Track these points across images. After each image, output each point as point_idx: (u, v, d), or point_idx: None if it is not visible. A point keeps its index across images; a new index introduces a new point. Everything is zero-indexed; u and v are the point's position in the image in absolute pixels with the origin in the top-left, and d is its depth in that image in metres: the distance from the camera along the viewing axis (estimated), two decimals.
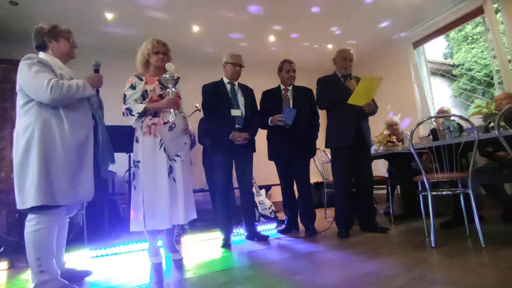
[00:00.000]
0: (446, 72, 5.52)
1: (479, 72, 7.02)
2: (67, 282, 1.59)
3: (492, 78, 4.07)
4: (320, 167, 3.80)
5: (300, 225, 2.91)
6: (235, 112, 2.54)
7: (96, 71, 1.81)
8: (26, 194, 1.48)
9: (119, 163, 2.23)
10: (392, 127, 3.79)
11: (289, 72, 2.85)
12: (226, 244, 2.47)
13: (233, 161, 2.60)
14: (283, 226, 2.95)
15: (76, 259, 2.30)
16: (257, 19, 3.86)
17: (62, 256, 1.80)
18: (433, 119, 3.35)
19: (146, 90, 2.04)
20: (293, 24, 4.06)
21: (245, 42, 4.45)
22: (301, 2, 3.58)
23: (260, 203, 3.63)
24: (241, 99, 2.62)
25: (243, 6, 3.57)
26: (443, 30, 4.09)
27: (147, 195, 1.95)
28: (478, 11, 3.65)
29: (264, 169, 3.58)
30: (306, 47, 4.76)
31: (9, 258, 2.28)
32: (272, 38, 4.41)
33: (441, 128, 2.44)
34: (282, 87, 2.91)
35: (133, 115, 1.98)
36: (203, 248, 2.47)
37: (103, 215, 3.04)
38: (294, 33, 4.33)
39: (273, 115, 2.75)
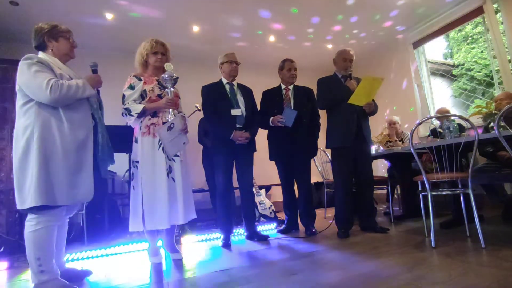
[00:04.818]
0: (446, 72, 5.53)
1: (479, 72, 7.02)
2: (67, 282, 1.59)
3: (492, 78, 4.07)
4: (320, 167, 3.80)
5: (300, 225, 2.91)
6: (235, 112, 2.54)
7: (94, 71, 1.81)
8: (26, 194, 1.48)
9: (119, 163, 2.23)
10: (391, 125, 3.80)
11: (291, 70, 2.85)
12: (226, 244, 2.47)
13: (234, 161, 2.60)
14: (283, 226, 2.95)
15: (76, 259, 2.30)
16: (257, 19, 3.86)
17: (62, 256, 1.80)
18: (433, 119, 3.35)
19: (144, 90, 2.04)
20: (293, 24, 4.06)
21: (245, 42, 4.45)
22: (301, 2, 3.58)
23: (260, 203, 3.63)
24: (240, 99, 2.62)
25: (243, 6, 3.57)
26: (443, 30, 4.09)
27: (147, 195, 1.95)
28: (478, 11, 3.65)
29: (264, 169, 3.58)
30: (306, 48, 4.76)
31: (9, 258, 2.28)
32: (272, 38, 4.41)
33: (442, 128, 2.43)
34: (283, 86, 2.91)
35: (132, 115, 1.98)
36: (203, 248, 2.46)
37: (103, 215, 3.04)
38: (294, 33, 4.33)
39: (274, 115, 2.75)
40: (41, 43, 1.71)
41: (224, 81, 2.65)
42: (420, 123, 2.18)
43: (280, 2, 3.54)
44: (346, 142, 2.56)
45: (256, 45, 4.57)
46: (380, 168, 4.86)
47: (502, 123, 1.99)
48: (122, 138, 2.37)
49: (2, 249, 2.53)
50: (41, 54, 1.70)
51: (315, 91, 2.87)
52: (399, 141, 3.62)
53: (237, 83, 2.70)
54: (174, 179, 2.01)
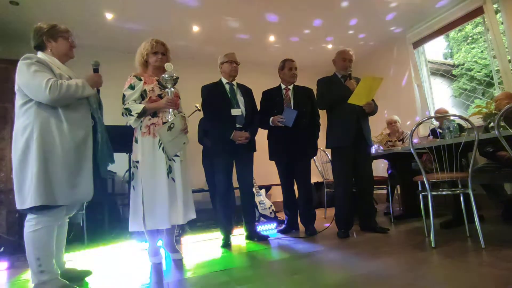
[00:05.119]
0: (446, 72, 5.53)
1: (479, 72, 7.02)
2: (67, 282, 1.59)
3: (492, 78, 4.07)
4: (320, 167, 3.80)
5: (300, 225, 2.91)
6: (235, 112, 2.54)
7: (96, 70, 1.81)
8: (25, 194, 1.48)
9: (119, 163, 2.23)
10: (391, 124, 3.81)
11: (292, 69, 2.85)
12: (226, 244, 2.47)
13: (234, 161, 2.60)
14: (283, 226, 2.95)
15: (76, 259, 2.30)
16: (257, 19, 3.86)
17: (62, 256, 1.80)
18: (433, 119, 3.35)
19: (145, 90, 2.04)
20: (293, 24, 4.07)
21: (245, 42, 4.45)
22: (301, 3, 3.58)
23: (260, 203, 3.63)
24: (240, 99, 2.62)
25: (243, 6, 3.57)
26: (443, 30, 4.09)
27: (147, 195, 1.95)
28: (478, 11, 3.65)
29: (264, 169, 3.57)
30: (306, 48, 4.76)
31: (9, 258, 2.28)
32: (272, 38, 4.41)
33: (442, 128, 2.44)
34: (283, 86, 2.91)
35: (132, 115, 1.98)
36: (203, 248, 2.46)
37: (103, 215, 3.04)
38: (294, 34, 4.33)
39: (274, 115, 2.75)
40: (40, 43, 1.71)
41: (224, 81, 2.65)
42: (420, 123, 2.18)
43: (281, 3, 3.54)
44: (346, 142, 2.56)
45: (256, 45, 4.57)
46: (380, 168, 4.86)
47: (502, 123, 1.99)
48: (122, 138, 2.37)
49: (2, 249, 2.53)
50: (40, 54, 1.70)
51: (315, 91, 2.87)
52: (399, 141, 3.62)
53: (237, 83, 2.70)
54: (174, 179, 2.01)
